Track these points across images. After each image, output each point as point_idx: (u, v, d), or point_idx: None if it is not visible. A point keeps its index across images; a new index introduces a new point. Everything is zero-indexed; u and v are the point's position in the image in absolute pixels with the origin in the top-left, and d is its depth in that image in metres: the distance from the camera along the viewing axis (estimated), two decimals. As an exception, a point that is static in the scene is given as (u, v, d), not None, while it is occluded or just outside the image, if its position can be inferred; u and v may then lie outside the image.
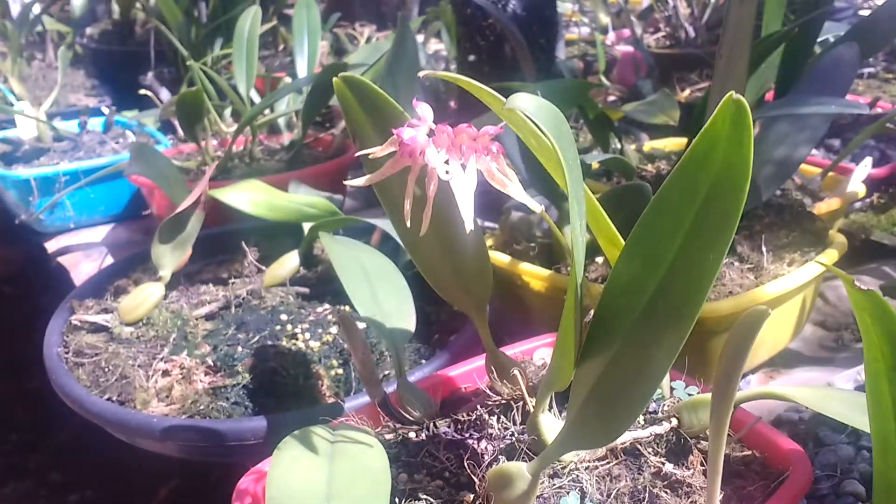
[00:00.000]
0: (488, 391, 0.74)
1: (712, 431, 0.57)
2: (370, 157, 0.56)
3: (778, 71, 1.24)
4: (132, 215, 1.73)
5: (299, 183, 1.35)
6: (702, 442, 0.70)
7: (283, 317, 1.08)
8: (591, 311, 0.58)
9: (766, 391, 0.67)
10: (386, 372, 0.99)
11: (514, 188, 0.54)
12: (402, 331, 0.81)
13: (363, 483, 0.59)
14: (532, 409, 0.67)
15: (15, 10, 2.41)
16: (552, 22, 1.70)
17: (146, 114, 2.02)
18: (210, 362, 1.00)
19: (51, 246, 1.65)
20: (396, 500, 0.64)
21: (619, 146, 1.37)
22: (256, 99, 1.73)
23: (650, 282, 0.53)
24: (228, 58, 2.02)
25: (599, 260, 1.07)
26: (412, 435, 0.73)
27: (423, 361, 0.99)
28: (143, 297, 1.10)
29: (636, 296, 0.54)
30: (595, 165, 1.28)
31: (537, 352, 0.86)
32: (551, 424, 0.65)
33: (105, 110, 1.92)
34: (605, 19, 2.55)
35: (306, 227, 1.19)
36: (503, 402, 0.72)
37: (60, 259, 1.60)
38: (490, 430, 0.69)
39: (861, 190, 1.27)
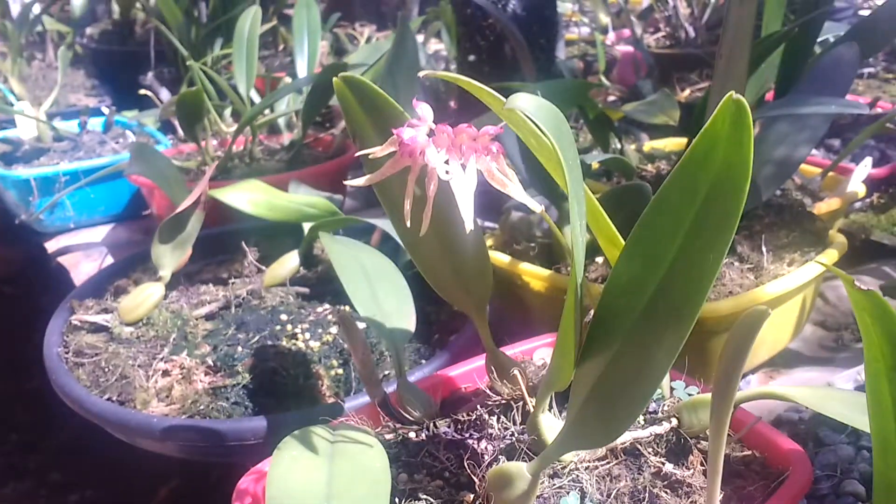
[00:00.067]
0: (488, 391, 0.74)
1: (712, 431, 0.57)
2: (370, 157, 0.56)
3: (778, 71, 1.24)
4: (132, 215, 1.73)
5: (299, 183, 1.35)
6: (702, 442, 0.70)
7: (283, 317, 1.08)
8: (591, 311, 0.58)
9: (766, 391, 0.67)
10: (386, 372, 0.99)
11: (514, 188, 0.54)
12: (402, 331, 0.81)
13: (363, 483, 0.59)
14: (532, 409, 0.67)
15: (15, 10, 2.41)
16: (552, 22, 1.70)
17: (146, 114, 2.02)
18: (210, 362, 1.00)
19: (51, 246, 1.65)
20: (396, 500, 0.64)
21: (619, 146, 1.37)
22: (256, 99, 1.73)
23: (650, 282, 0.53)
24: (228, 58, 2.02)
25: (599, 260, 1.07)
26: (412, 435, 0.73)
27: (423, 361, 0.99)
28: (143, 297, 1.10)
29: (636, 296, 0.54)
30: (595, 165, 1.28)
31: (537, 352, 0.86)
32: (551, 424, 0.65)
33: (105, 110, 1.92)
34: (605, 19, 2.55)
35: (306, 227, 1.19)
36: (503, 402, 0.72)
37: (60, 259, 1.60)
38: (490, 430, 0.69)
39: (861, 190, 1.27)
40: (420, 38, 2.35)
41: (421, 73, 0.57)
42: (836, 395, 0.68)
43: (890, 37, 1.29)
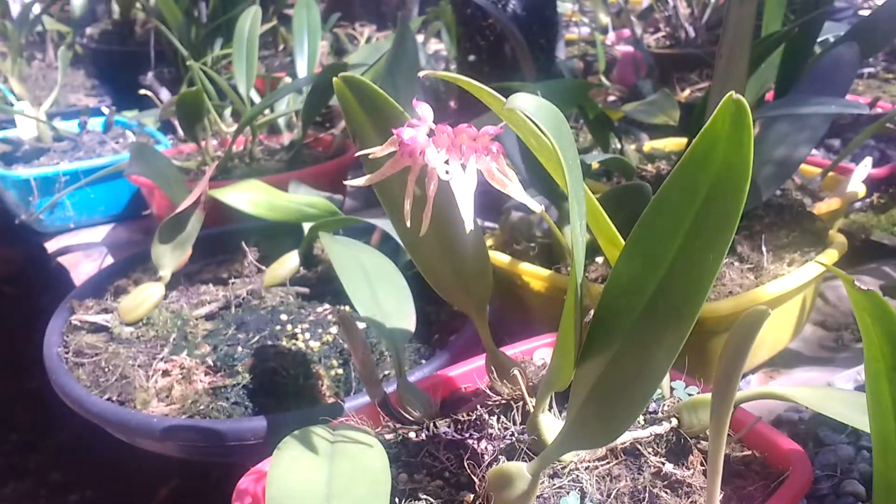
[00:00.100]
0: (488, 391, 0.74)
1: (712, 431, 0.57)
2: (370, 157, 0.56)
3: (778, 71, 1.24)
4: (132, 215, 1.73)
5: (299, 183, 1.35)
6: (702, 442, 0.70)
7: (283, 317, 1.08)
8: (591, 311, 0.58)
9: (766, 391, 0.67)
10: (386, 372, 0.99)
11: (514, 188, 0.54)
12: (402, 331, 0.81)
13: (363, 483, 0.59)
14: (532, 409, 0.67)
15: (15, 10, 2.41)
16: (552, 22, 1.70)
17: (146, 114, 2.02)
18: (210, 362, 1.00)
19: (51, 246, 1.65)
20: (396, 500, 0.64)
21: (619, 146, 1.37)
22: (256, 99, 1.73)
23: (650, 282, 0.53)
24: (228, 58, 2.02)
25: (599, 260, 1.07)
26: (412, 435, 0.73)
27: (424, 361, 0.99)
28: (143, 297, 1.10)
29: (636, 296, 0.54)
30: (595, 165, 1.28)
31: (537, 352, 0.86)
32: (551, 424, 0.66)
33: (105, 110, 1.92)
34: (605, 19, 2.55)
35: (306, 227, 1.19)
36: (503, 402, 0.72)
37: (60, 259, 1.60)
38: (490, 430, 0.69)
39: (861, 190, 1.27)
40: (420, 37, 2.35)
41: (421, 74, 0.57)
42: (836, 395, 0.68)
43: (890, 37, 1.29)
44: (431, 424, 0.72)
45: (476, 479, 0.64)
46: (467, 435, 0.70)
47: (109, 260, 1.57)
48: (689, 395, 0.73)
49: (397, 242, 1.03)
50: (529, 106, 0.50)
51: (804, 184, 1.25)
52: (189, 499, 1.61)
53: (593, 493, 0.63)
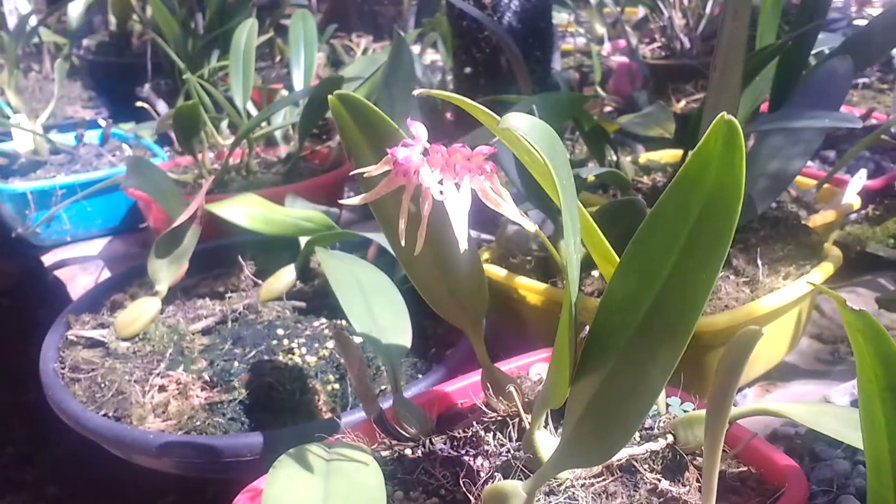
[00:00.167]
0: (484, 407, 0.74)
1: (707, 448, 0.57)
2: (365, 175, 0.57)
3: (772, 83, 1.24)
4: (129, 228, 1.73)
5: (296, 196, 1.35)
6: (698, 458, 0.70)
7: (280, 331, 1.08)
8: (587, 328, 0.58)
9: (761, 408, 0.67)
10: (382, 387, 0.99)
11: (507, 208, 0.54)
12: (397, 346, 0.81)
13: (358, 502, 0.59)
14: (528, 426, 0.67)
15: (11, 21, 2.41)
16: (547, 33, 1.71)
17: (143, 126, 2.02)
18: (206, 377, 1.00)
19: (47, 259, 1.65)
20: (392, 518, 0.64)
21: (614, 158, 1.38)
22: (253, 111, 1.73)
23: (645, 299, 0.53)
24: (225, 70, 2.02)
25: (595, 273, 1.07)
26: (408, 451, 0.73)
27: (420, 376, 0.99)
28: (140, 311, 1.10)
29: (631, 313, 0.54)
30: (591, 178, 1.29)
31: (533, 367, 0.86)
32: (547, 442, 0.66)
33: (102, 123, 1.92)
34: (600, 30, 2.56)
35: (303, 240, 1.19)
36: (499, 418, 0.72)
37: (57, 272, 1.60)
38: (486, 447, 0.69)
39: (856, 202, 1.27)
40: (416, 49, 2.36)
41: (415, 92, 0.57)
42: (831, 411, 0.68)
43: (884, 49, 1.30)
44: (427, 441, 0.72)
45: (472, 498, 0.64)
46: (463, 452, 0.69)
47: (106, 273, 1.57)
48: (685, 411, 0.73)
49: (393, 257, 1.03)
50: (523, 125, 0.50)
51: (799, 196, 1.26)
52: (186, 513, 1.60)
53: (589, 511, 0.63)
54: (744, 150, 0.46)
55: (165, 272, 1.13)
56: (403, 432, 0.74)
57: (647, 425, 0.72)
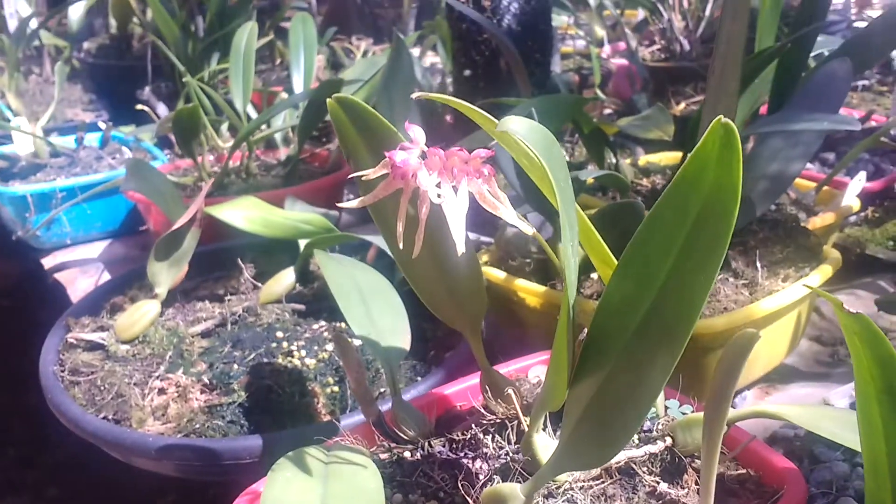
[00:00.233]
0: (483, 410, 0.74)
1: (704, 451, 0.57)
2: (363, 178, 0.57)
3: (771, 85, 1.24)
4: (129, 231, 1.73)
5: (295, 199, 1.35)
6: (696, 461, 0.69)
7: (279, 334, 1.08)
8: (585, 330, 0.58)
9: (760, 410, 0.67)
10: (381, 389, 0.99)
11: (505, 211, 0.54)
12: (396, 349, 0.81)
13: (357, 505, 0.59)
14: (527, 429, 0.67)
15: (12, 24, 2.41)
16: (547, 36, 1.71)
17: (143, 129, 2.02)
18: (206, 380, 1.00)
19: (47, 262, 1.65)
20: (391, 520, 0.64)
21: (614, 160, 1.38)
22: (253, 114, 1.73)
23: (642, 302, 0.53)
24: (225, 72, 2.02)
25: (595, 276, 1.07)
26: (407, 454, 0.73)
27: (419, 379, 0.99)
28: (140, 314, 1.10)
29: (629, 316, 0.54)
30: (590, 181, 1.29)
31: (532, 369, 0.86)
32: (546, 444, 0.66)
33: (102, 125, 1.92)
34: (600, 32, 2.56)
35: (302, 243, 1.19)
36: (498, 421, 0.72)
37: (57, 275, 1.60)
38: (485, 450, 0.69)
39: (856, 204, 1.27)
40: (416, 51, 2.36)
41: (414, 95, 0.57)
42: (829, 413, 0.68)
43: (883, 51, 1.30)
44: (426, 444, 0.72)
45: (470, 500, 0.64)
46: (462, 454, 0.70)
47: (106, 276, 1.57)
48: (684, 413, 0.73)
49: (393, 259, 1.03)
50: (521, 129, 0.50)
51: (799, 198, 1.26)
52: (186, 515, 1.60)
53: (588, 513, 0.63)
54: (740, 153, 0.46)
55: (165, 275, 1.13)
56: (402, 435, 0.74)
57: (645, 428, 0.72)
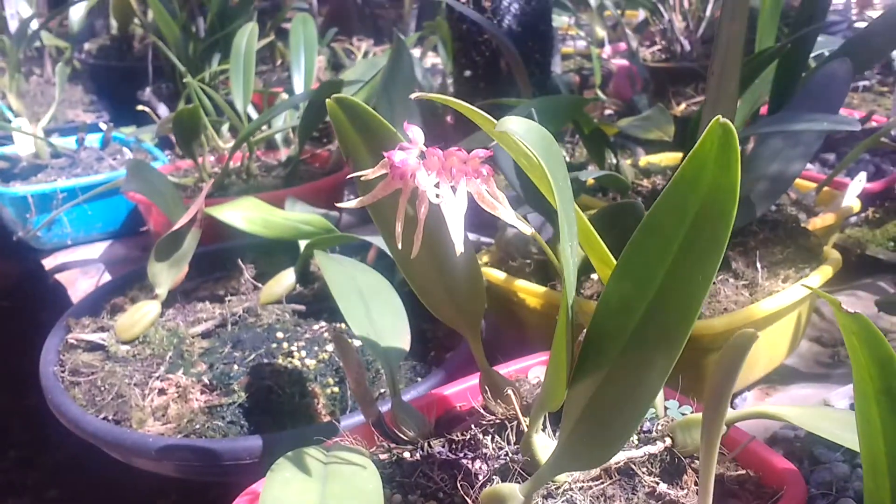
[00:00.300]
0: (482, 410, 0.74)
1: (703, 451, 0.57)
2: (362, 178, 0.57)
3: (772, 86, 1.24)
4: (130, 232, 1.73)
5: (295, 200, 1.36)
6: (696, 461, 0.69)
7: (280, 334, 1.08)
8: (585, 331, 0.58)
9: (759, 410, 0.67)
10: (382, 390, 0.99)
11: (503, 211, 0.54)
12: (396, 350, 0.81)
13: (356, 505, 0.59)
14: (526, 429, 0.67)
15: (13, 25, 2.41)
16: (547, 37, 1.71)
17: (144, 130, 2.02)
18: (206, 381, 1.00)
19: (48, 263, 1.65)
20: (390, 521, 0.64)
21: (614, 161, 1.38)
22: (254, 115, 1.73)
23: (641, 303, 0.53)
24: (226, 73, 2.03)
25: (595, 277, 1.07)
26: (406, 455, 0.73)
27: (419, 379, 0.99)
28: (140, 315, 1.10)
29: (627, 316, 0.54)
30: (590, 182, 1.29)
31: (532, 370, 0.86)
32: (545, 444, 0.66)
33: (103, 126, 1.92)
34: (601, 33, 2.56)
35: (302, 244, 1.19)
36: (497, 421, 0.72)
37: (58, 276, 1.60)
38: (484, 450, 0.69)
39: (856, 205, 1.27)
40: (417, 52, 2.36)
41: (413, 96, 0.57)
42: (829, 414, 0.68)
43: (883, 51, 1.30)
44: (426, 444, 0.72)
45: (469, 501, 0.64)
46: (461, 455, 0.70)
47: (107, 277, 1.57)
48: (683, 414, 0.73)
49: (393, 260, 1.03)
50: (519, 129, 0.50)
51: (799, 199, 1.26)
52: (187, 516, 1.60)
53: (587, 514, 0.63)
54: (739, 153, 0.46)
55: (165, 275, 1.13)
56: (402, 435, 0.74)
57: (645, 428, 0.72)
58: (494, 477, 0.66)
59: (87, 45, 2.79)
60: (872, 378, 0.46)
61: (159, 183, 1.29)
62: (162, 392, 0.99)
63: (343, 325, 1.09)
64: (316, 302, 1.16)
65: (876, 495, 0.50)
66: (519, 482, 0.63)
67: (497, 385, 0.74)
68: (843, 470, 0.83)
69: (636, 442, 0.70)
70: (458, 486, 0.65)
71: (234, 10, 2.11)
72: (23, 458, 2.01)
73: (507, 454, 0.68)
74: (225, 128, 1.84)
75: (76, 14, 2.44)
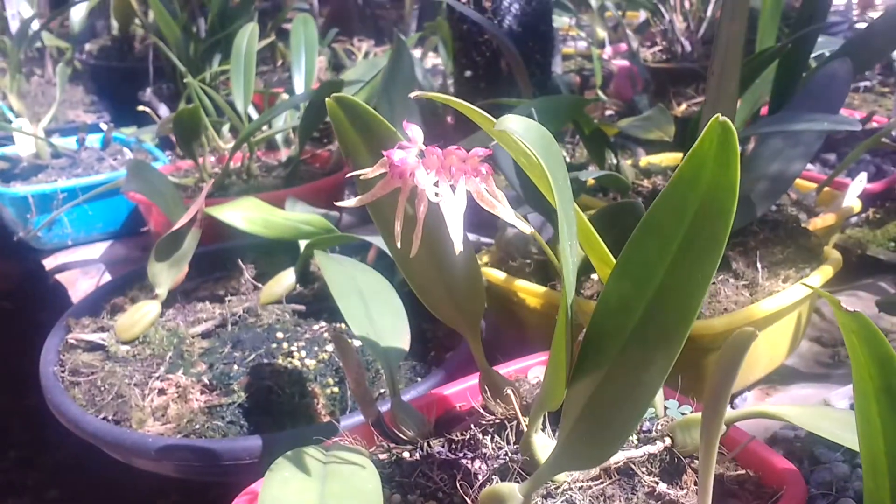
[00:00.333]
0: (482, 410, 0.74)
1: (702, 451, 0.57)
2: (362, 177, 0.57)
3: (772, 86, 1.24)
4: (130, 232, 1.73)
5: (296, 200, 1.35)
6: (695, 461, 0.69)
7: (280, 335, 1.08)
8: (584, 330, 0.58)
9: (759, 410, 0.67)
10: (381, 390, 0.99)
11: (503, 209, 0.54)
12: (396, 350, 0.81)
13: (355, 505, 0.59)
14: (525, 429, 0.67)
15: (14, 25, 2.41)
16: (548, 37, 1.71)
17: (144, 130, 2.02)
18: (206, 381, 1.00)
19: (48, 263, 1.65)
20: (389, 520, 0.64)
21: (615, 161, 1.38)
22: (254, 115, 1.73)
23: (640, 302, 0.53)
24: (227, 74, 2.03)
25: (595, 277, 1.07)
26: (406, 455, 0.73)
27: (419, 379, 0.99)
28: (140, 315, 1.10)
29: (626, 316, 0.54)
30: (590, 182, 1.29)
31: (532, 370, 0.86)
32: (544, 444, 0.65)
33: (103, 126, 1.92)
34: (601, 33, 2.56)
35: (302, 244, 1.19)
36: (497, 421, 0.72)
37: (58, 276, 1.60)
38: (484, 450, 0.69)
39: (857, 205, 1.27)
40: (418, 52, 2.36)
41: (412, 95, 0.57)
42: (829, 414, 0.68)
43: (883, 52, 1.30)
44: (425, 444, 0.72)
45: (469, 500, 0.64)
46: (461, 455, 0.69)
47: (107, 277, 1.57)
48: (683, 413, 0.73)
49: (393, 260, 1.03)
50: (518, 127, 0.50)
51: (799, 199, 1.26)
52: (187, 516, 1.60)
53: (586, 514, 0.63)
54: (738, 151, 0.46)
55: (165, 275, 1.13)
56: (401, 435, 0.74)
57: (644, 428, 0.72)
58: (494, 477, 0.66)
59: (87, 46, 2.79)
60: (872, 377, 0.46)
61: (160, 183, 1.29)
62: (162, 392, 0.99)
63: (343, 325, 1.09)
64: (316, 302, 1.16)
65: (876, 495, 0.50)
66: (518, 482, 0.62)
67: (497, 385, 0.74)
68: (843, 470, 0.83)
69: (636, 442, 0.70)
70: (458, 485, 0.65)
71: (234, 10, 2.11)
72: (23, 458, 2.01)
73: (506, 454, 0.68)
74: (225, 128, 1.84)
75: (77, 15, 2.44)
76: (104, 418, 0.96)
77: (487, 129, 0.55)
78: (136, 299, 1.20)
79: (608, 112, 2.01)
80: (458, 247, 0.51)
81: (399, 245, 0.54)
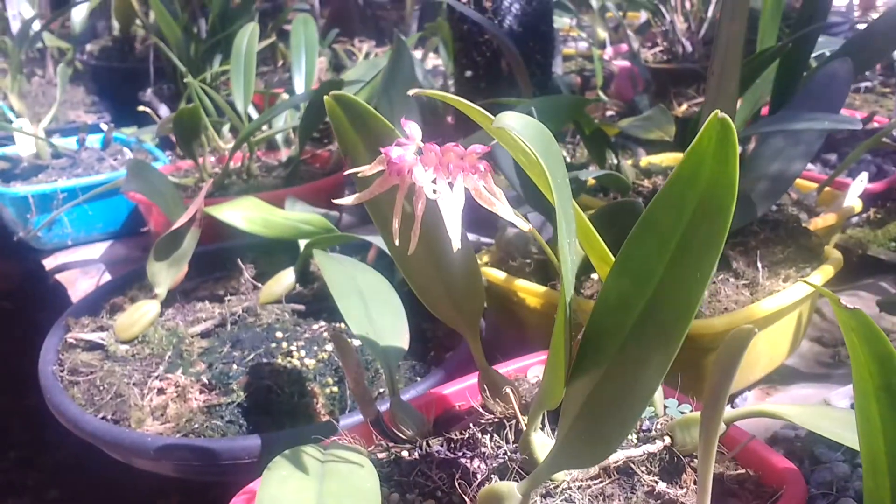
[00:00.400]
0: (481, 409, 0.73)
1: (701, 450, 0.57)
2: (360, 175, 0.56)
3: (773, 86, 1.24)
4: (130, 232, 1.73)
5: (295, 199, 1.35)
6: (695, 460, 0.69)
7: (279, 334, 1.07)
8: (583, 329, 0.58)
9: (759, 409, 0.67)
10: (381, 389, 0.99)
11: (501, 207, 0.54)
12: (395, 349, 0.80)
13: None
14: (524, 428, 0.67)
15: (15, 26, 2.41)
16: (548, 37, 1.71)
17: (145, 130, 2.02)
18: (205, 380, 1.00)
19: (48, 263, 1.65)
20: (388, 520, 0.64)
21: (615, 161, 1.37)
22: (254, 115, 1.73)
23: (638, 300, 0.53)
24: (227, 74, 2.03)
25: (595, 276, 1.06)
26: (405, 454, 0.73)
27: (419, 379, 0.99)
28: (139, 314, 1.10)
29: (625, 314, 0.54)
30: (591, 181, 1.28)
31: (531, 369, 0.86)
32: (543, 443, 0.65)
33: (104, 127, 1.92)
34: (602, 34, 2.56)
35: (302, 243, 1.19)
36: (496, 420, 0.72)
37: (58, 276, 1.60)
38: (483, 449, 0.69)
39: (857, 205, 1.27)
40: (418, 53, 2.36)
41: (411, 92, 0.57)
42: (829, 413, 0.67)
43: (884, 52, 1.30)
44: (424, 443, 0.72)
45: (468, 499, 0.64)
46: (460, 454, 0.69)
47: (107, 277, 1.57)
48: (682, 412, 0.73)
49: (393, 260, 1.03)
50: (516, 124, 0.50)
51: (800, 199, 1.25)
52: (187, 516, 1.60)
53: (585, 513, 0.63)
54: (737, 148, 0.46)
55: (165, 275, 1.13)
56: (400, 434, 0.74)
57: (644, 427, 0.71)
58: (493, 476, 0.66)
59: (88, 46, 2.79)
60: (872, 375, 0.46)
61: (160, 183, 1.28)
62: (161, 391, 0.99)
63: (342, 325, 1.09)
64: (315, 302, 1.16)
65: (876, 495, 0.50)
66: (517, 481, 0.62)
67: (496, 384, 0.74)
68: (843, 469, 0.83)
69: (635, 441, 0.70)
70: (456, 484, 0.65)
71: (235, 11, 2.11)
72: (23, 458, 2.00)
73: (505, 453, 0.68)
74: (226, 128, 1.84)
75: (78, 15, 2.44)
76: (103, 418, 0.96)
77: (487, 128, 0.54)
78: (135, 299, 1.20)
79: (609, 112, 2.01)
80: (456, 244, 0.51)
81: (397, 243, 0.54)
